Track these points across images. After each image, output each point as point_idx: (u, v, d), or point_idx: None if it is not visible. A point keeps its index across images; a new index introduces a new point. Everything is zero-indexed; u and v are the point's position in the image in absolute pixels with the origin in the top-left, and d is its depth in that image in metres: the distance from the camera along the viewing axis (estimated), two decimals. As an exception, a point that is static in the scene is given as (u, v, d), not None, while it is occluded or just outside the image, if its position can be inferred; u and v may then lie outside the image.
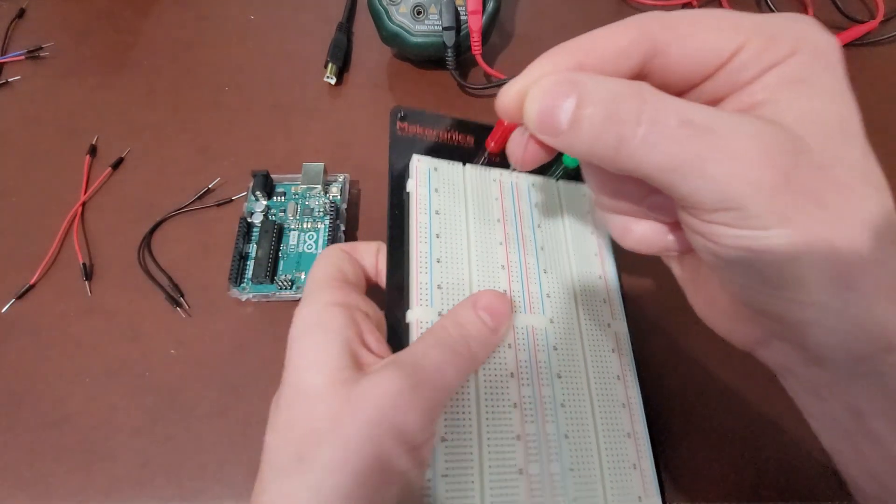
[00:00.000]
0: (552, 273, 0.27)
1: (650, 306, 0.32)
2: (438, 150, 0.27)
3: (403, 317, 0.23)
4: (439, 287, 0.24)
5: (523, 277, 0.26)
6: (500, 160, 0.27)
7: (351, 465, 0.17)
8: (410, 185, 0.26)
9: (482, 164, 0.28)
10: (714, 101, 0.18)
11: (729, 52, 0.16)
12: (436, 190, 0.26)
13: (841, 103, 0.16)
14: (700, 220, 0.16)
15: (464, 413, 0.22)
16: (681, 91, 0.18)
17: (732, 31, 0.16)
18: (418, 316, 0.23)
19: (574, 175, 0.30)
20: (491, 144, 0.25)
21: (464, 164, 0.28)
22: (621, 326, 0.28)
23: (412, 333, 0.23)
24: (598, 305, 0.28)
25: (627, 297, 0.30)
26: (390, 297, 0.24)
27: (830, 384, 0.17)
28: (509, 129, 0.22)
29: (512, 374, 0.24)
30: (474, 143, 0.28)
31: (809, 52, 0.16)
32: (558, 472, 0.23)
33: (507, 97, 0.18)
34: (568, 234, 0.29)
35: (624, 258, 0.30)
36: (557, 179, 0.30)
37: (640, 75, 0.17)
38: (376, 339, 0.21)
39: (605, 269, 0.29)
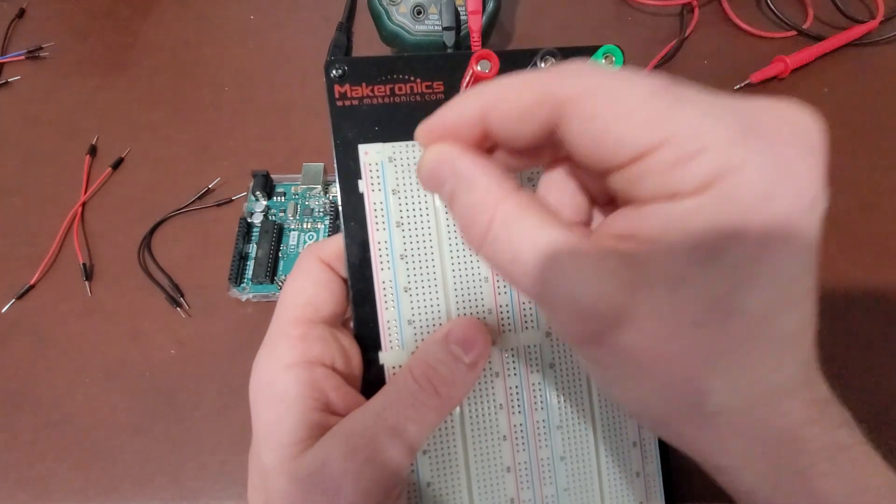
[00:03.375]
0: None
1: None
2: (397, 117, 0.22)
3: (377, 357, 0.21)
4: (410, 323, 0.21)
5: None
6: None
7: None
8: (362, 187, 0.21)
9: None
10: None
11: (631, 154, 0.13)
12: (394, 192, 0.21)
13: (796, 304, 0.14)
14: None
15: (449, 453, 0.21)
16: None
17: (644, 126, 0.13)
18: (389, 361, 0.21)
19: None
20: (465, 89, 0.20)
21: None
22: None
23: (388, 375, 0.21)
24: None
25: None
26: (359, 331, 0.21)
27: None
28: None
29: (501, 405, 0.22)
30: (444, 89, 0.22)
31: (745, 202, 0.12)
32: (552, 494, 0.22)
33: (419, 132, 0.17)
34: None
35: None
36: None
37: (553, 136, 0.15)
38: (343, 396, 0.20)
39: None
